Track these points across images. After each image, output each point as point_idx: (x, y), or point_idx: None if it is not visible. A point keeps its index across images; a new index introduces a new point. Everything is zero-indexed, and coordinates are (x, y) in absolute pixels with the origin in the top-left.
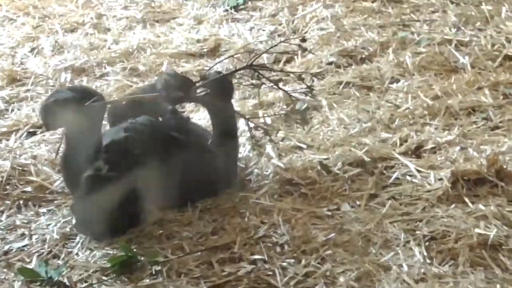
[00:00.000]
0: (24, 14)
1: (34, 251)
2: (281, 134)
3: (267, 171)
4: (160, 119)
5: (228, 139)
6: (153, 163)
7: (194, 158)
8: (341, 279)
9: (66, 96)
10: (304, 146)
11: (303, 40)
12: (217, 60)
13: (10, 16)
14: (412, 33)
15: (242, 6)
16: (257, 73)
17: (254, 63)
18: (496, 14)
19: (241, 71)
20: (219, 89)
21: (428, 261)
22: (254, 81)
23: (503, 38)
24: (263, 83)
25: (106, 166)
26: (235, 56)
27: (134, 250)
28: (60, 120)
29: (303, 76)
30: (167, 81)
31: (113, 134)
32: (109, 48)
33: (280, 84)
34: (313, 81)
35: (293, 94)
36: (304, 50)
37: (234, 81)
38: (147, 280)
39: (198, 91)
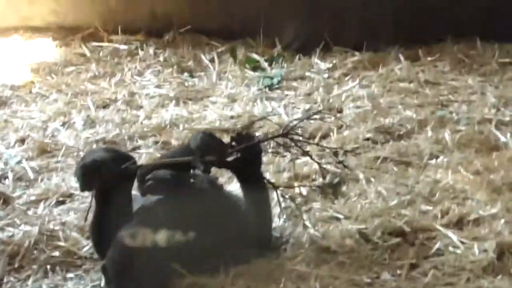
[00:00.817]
0: (57, 91)
1: None
2: (317, 205)
3: (303, 240)
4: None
5: (260, 205)
6: (184, 224)
7: (228, 219)
8: None
9: (103, 157)
10: (341, 217)
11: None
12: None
13: (43, 93)
14: (451, 112)
15: (277, 86)
16: (292, 142)
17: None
18: None
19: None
20: (251, 155)
21: None
22: (288, 150)
23: None
24: (296, 155)
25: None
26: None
27: None
28: (96, 181)
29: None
30: (203, 141)
31: (144, 200)
32: (141, 123)
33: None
34: (345, 155)
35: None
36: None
37: (270, 151)
38: None
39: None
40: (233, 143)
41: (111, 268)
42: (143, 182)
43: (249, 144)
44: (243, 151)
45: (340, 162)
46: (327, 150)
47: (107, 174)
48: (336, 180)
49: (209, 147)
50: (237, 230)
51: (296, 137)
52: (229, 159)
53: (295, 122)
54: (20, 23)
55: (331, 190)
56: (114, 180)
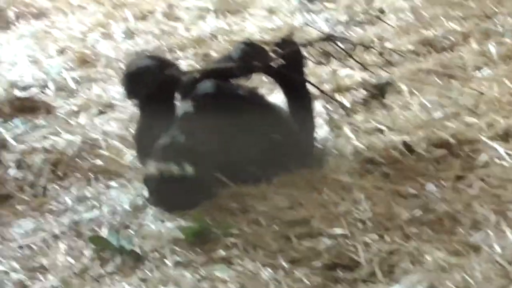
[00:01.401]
0: (95, 3)
1: (104, 221)
2: (360, 117)
3: (346, 151)
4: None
5: (303, 113)
6: (227, 132)
7: (270, 127)
8: (428, 257)
9: (148, 64)
10: (385, 128)
11: (382, 11)
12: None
13: (81, 4)
14: (496, 25)
15: None
16: (335, 44)
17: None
18: None
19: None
20: (294, 60)
21: None
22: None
23: None
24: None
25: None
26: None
27: (208, 221)
28: (141, 88)
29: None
30: (243, 49)
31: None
32: (180, 35)
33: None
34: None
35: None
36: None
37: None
38: (222, 252)
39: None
40: (276, 49)
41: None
42: (187, 92)
43: (292, 49)
44: (286, 57)
45: (388, 62)
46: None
47: (151, 80)
48: (384, 81)
49: (251, 54)
50: (280, 139)
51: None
52: (273, 65)
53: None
54: None
55: (379, 91)
56: (158, 87)
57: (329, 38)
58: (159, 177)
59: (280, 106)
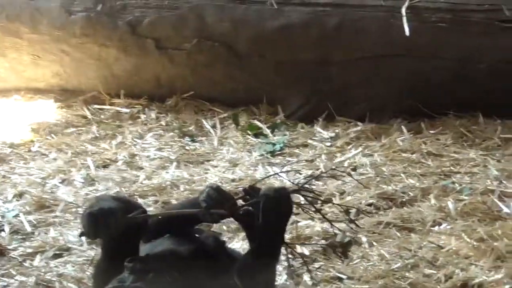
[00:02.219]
0: (57, 151)
1: None
2: (318, 265)
3: None
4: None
5: (267, 265)
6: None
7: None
8: None
9: (111, 206)
10: (344, 277)
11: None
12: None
13: (42, 151)
14: (454, 182)
15: (279, 152)
16: (306, 198)
17: None
18: None
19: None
20: (274, 210)
21: None
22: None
23: None
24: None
25: (131, 277)
26: None
27: None
28: (103, 229)
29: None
30: (210, 195)
31: (148, 250)
32: (141, 183)
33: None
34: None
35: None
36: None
37: None
38: None
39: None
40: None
41: None
42: (150, 235)
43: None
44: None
45: (353, 221)
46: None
47: (114, 223)
48: (347, 239)
49: (217, 200)
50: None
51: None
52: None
53: (306, 179)
54: (23, 84)
55: (341, 249)
56: (121, 230)
57: (300, 190)
58: None
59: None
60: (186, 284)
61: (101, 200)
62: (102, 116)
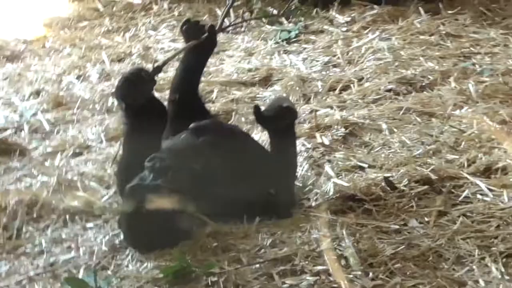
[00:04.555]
0: (71, 46)
1: (81, 262)
2: (340, 154)
3: (327, 189)
4: None
5: (287, 153)
6: (208, 170)
7: (254, 166)
8: None
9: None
10: (366, 166)
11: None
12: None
13: (56, 47)
14: (474, 64)
15: (294, 39)
16: None
17: None
18: None
19: None
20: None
21: (506, 277)
22: None
23: None
24: None
25: (151, 175)
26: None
27: (189, 261)
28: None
29: None
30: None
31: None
32: (157, 76)
33: None
34: None
35: None
36: (393, 188)
37: None
38: None
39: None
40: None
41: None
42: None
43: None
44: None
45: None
46: None
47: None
48: None
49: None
50: (263, 178)
51: None
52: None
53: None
54: None
55: None
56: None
57: None
58: (132, 217)
59: (263, 148)
60: (206, 177)
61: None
62: (115, 8)
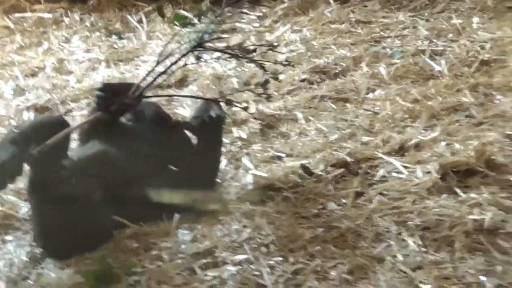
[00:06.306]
0: None
1: (1, 275)
2: (258, 146)
3: (246, 181)
4: None
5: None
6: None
7: (174, 161)
8: (333, 273)
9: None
10: (283, 155)
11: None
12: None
13: None
14: (384, 47)
15: (208, 39)
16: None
17: None
18: (467, 26)
19: None
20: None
21: (423, 249)
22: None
23: (477, 46)
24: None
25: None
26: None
27: (110, 263)
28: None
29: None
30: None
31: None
32: (72, 87)
33: None
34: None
35: None
36: (310, 174)
37: None
38: None
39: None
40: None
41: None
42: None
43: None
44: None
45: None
46: None
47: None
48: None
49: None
50: (182, 173)
51: None
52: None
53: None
54: None
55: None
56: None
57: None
58: (44, 226)
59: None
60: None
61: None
62: (25, 24)
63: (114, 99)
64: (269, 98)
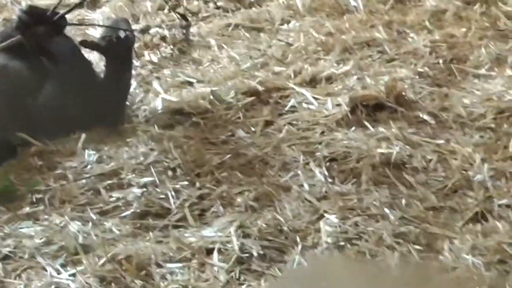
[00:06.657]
0: None
1: None
2: (168, 71)
3: (155, 105)
4: None
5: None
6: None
7: (81, 84)
8: (239, 199)
9: None
10: (194, 81)
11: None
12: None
13: None
14: None
15: None
16: None
17: None
18: None
19: None
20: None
21: (330, 180)
22: None
23: None
24: None
25: None
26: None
27: (12, 180)
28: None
29: None
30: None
31: None
32: None
33: None
34: None
35: None
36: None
37: None
38: (28, 209)
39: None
40: None
41: None
42: None
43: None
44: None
45: None
46: None
47: None
48: None
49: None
50: (90, 95)
51: None
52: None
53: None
54: None
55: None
56: None
57: None
58: None
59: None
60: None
61: None
62: None
63: (36, 25)
64: (188, 41)
